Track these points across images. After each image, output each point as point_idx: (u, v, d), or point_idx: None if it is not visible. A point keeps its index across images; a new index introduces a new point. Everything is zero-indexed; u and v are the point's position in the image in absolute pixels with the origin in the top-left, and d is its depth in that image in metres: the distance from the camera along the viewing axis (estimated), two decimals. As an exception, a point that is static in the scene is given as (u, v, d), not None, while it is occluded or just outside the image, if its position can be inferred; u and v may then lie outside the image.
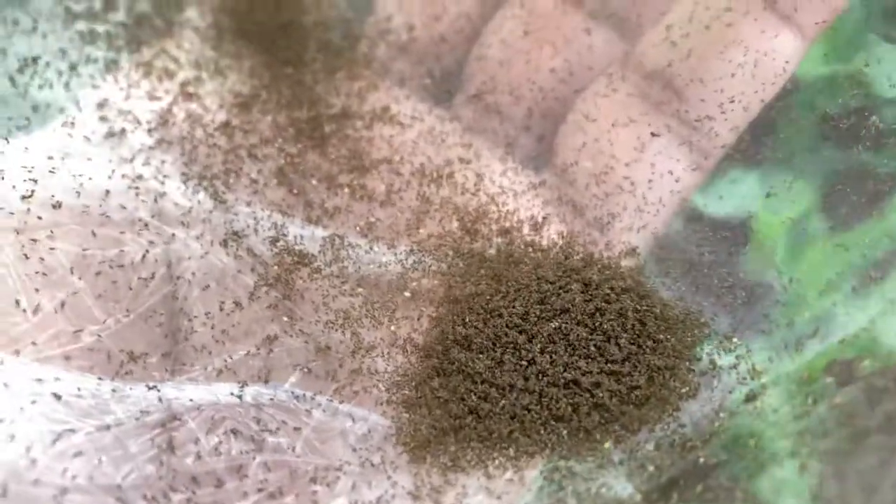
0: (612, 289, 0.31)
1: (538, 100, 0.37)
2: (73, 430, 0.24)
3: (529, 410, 0.29)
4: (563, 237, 0.34)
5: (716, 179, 0.35)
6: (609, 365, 0.29)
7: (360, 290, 0.33)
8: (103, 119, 0.34)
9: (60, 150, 0.31)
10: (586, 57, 0.37)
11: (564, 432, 0.29)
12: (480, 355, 0.30)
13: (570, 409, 0.29)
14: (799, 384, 0.29)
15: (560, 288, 0.31)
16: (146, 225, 0.30)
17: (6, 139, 0.31)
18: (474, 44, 0.39)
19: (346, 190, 0.35)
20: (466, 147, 0.37)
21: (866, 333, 0.29)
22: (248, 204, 0.33)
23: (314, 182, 0.35)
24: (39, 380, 0.25)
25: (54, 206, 0.29)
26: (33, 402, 0.25)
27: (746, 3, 0.33)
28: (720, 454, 0.28)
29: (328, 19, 0.40)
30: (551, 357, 0.29)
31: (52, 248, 0.28)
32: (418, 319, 0.32)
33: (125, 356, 0.28)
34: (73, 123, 0.33)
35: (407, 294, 0.33)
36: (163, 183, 0.32)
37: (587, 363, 0.29)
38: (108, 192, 0.30)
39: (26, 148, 0.31)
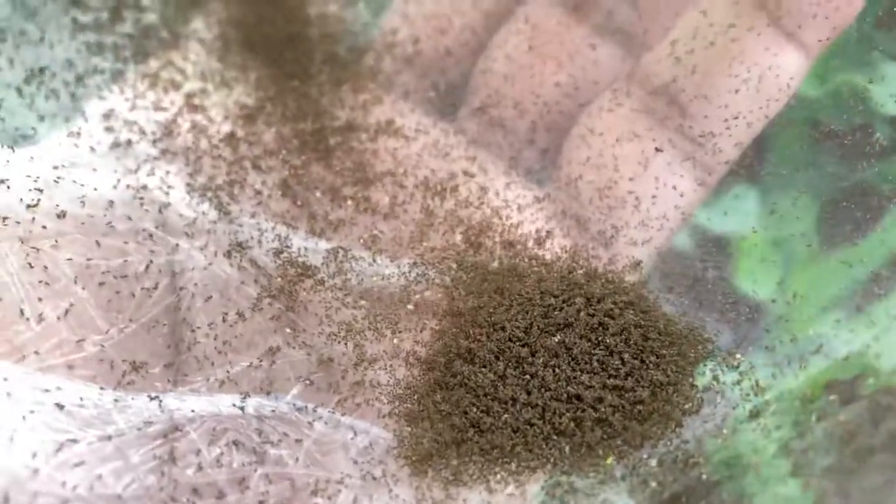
0: (615, 303, 0.31)
1: (542, 114, 0.38)
2: (74, 440, 0.24)
3: (532, 425, 0.29)
4: (566, 251, 0.34)
5: (719, 195, 0.35)
6: (612, 380, 0.29)
7: (363, 302, 0.32)
8: (109, 129, 0.34)
9: (66, 160, 0.31)
10: (591, 72, 0.37)
11: (567, 447, 0.29)
12: (483, 369, 0.30)
13: (572, 423, 0.29)
14: (802, 401, 0.29)
15: (563, 302, 0.31)
16: (150, 235, 0.30)
17: (12, 148, 0.31)
18: (479, 57, 0.39)
19: (350, 202, 0.35)
20: (470, 160, 0.37)
21: (870, 350, 0.29)
22: (252, 215, 0.33)
23: (318, 194, 0.35)
24: (42, 389, 0.25)
25: (59, 216, 0.29)
26: (36, 411, 0.24)
27: (751, 19, 0.33)
28: (723, 471, 0.28)
29: (334, 32, 0.40)
30: (554, 371, 0.29)
31: (56, 258, 0.28)
32: (421, 332, 0.32)
33: (128, 366, 0.28)
34: (78, 133, 0.34)
35: (410, 307, 0.33)
36: (167, 193, 0.32)
37: (590, 378, 0.29)
38: (112, 202, 0.30)
39: (32, 157, 0.31)
